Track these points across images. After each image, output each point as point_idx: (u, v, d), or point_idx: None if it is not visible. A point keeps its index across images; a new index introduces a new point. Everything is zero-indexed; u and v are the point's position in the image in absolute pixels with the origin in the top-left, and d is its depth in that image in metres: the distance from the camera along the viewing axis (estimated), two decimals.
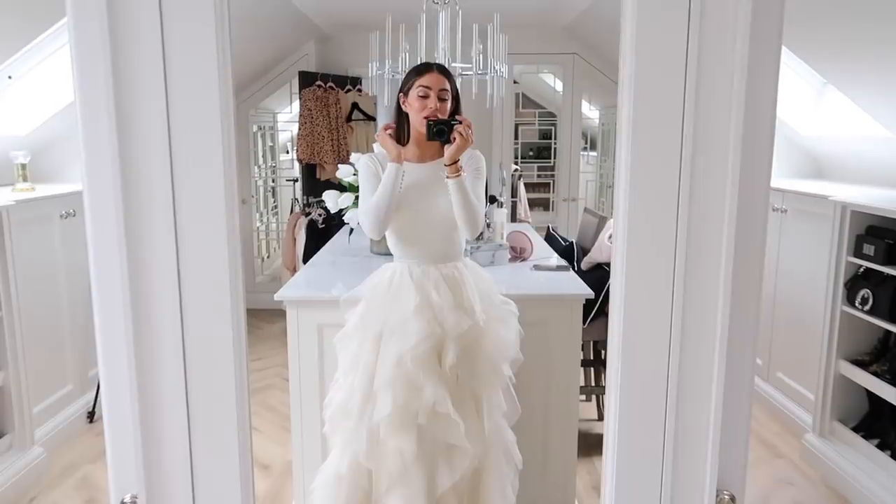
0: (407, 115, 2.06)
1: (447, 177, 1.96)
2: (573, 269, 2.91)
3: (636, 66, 0.99)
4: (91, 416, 3.50)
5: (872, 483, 2.72)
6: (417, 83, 2.01)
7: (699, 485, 1.04)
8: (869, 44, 2.77)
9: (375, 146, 2.14)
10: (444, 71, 2.06)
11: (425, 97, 1.99)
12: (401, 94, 2.07)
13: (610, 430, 1.07)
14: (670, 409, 1.05)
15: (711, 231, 1.03)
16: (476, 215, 1.99)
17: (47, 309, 3.25)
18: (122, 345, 0.95)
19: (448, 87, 2.02)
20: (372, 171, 2.06)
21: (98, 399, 3.51)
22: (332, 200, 2.86)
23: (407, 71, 2.20)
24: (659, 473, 1.06)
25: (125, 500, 1.03)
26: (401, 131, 2.09)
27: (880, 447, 2.80)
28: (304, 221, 4.98)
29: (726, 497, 1.05)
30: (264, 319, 5.22)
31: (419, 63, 2.21)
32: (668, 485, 1.05)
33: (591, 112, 6.99)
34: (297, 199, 5.62)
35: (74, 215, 3.37)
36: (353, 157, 2.75)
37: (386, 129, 2.06)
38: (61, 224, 3.32)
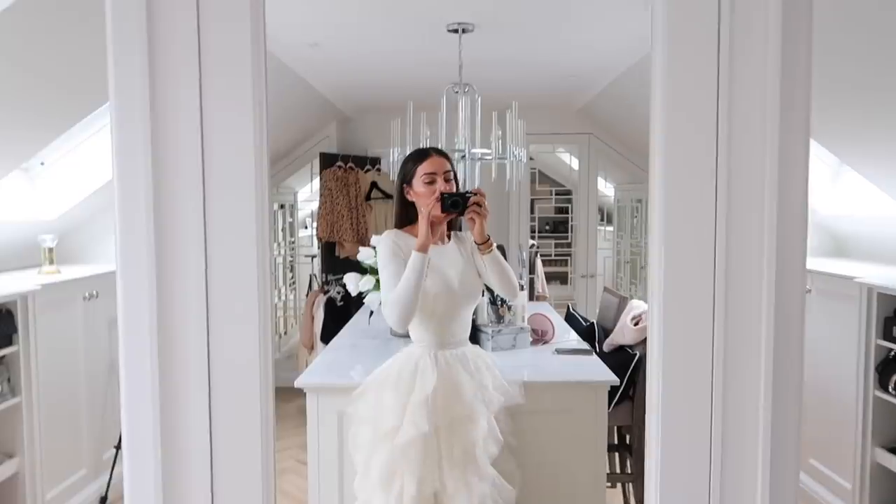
0: (412, 203, 2.04)
1: (483, 253, 1.99)
2: (595, 351, 2.86)
3: (666, 159, 1.01)
4: (104, 501, 3.42)
5: None
6: (421, 171, 1.99)
7: None
8: (882, 126, 2.80)
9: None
10: (442, 153, 2.05)
11: (432, 183, 1.98)
12: (404, 185, 2.04)
13: None
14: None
15: (749, 319, 1.01)
16: (514, 277, 2.06)
17: (66, 391, 3.23)
18: (149, 426, 0.94)
19: (450, 167, 2.03)
20: (395, 250, 1.99)
21: (111, 483, 3.44)
22: (353, 283, 2.86)
23: (403, 160, 2.11)
24: None
25: None
26: (405, 222, 2.08)
27: None
28: (322, 299, 4.99)
29: None
30: (280, 398, 5.13)
31: (414, 150, 2.15)
32: None
33: (606, 189, 7.06)
34: (314, 274, 5.64)
35: (97, 297, 3.40)
36: (374, 239, 2.76)
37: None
38: (84, 306, 3.34)
